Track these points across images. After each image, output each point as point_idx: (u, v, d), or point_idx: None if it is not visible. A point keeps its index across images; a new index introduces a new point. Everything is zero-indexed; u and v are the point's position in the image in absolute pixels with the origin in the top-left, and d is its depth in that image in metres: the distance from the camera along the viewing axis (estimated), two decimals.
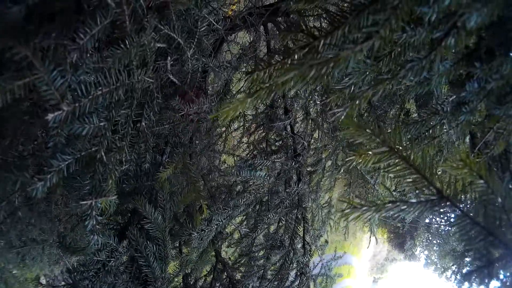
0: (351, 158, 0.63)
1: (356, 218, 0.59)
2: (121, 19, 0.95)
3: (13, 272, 3.10)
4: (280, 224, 1.79)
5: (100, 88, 0.90)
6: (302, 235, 1.75)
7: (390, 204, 0.58)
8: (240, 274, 1.97)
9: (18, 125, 1.90)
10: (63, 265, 3.18)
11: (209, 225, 1.24)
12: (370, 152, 0.60)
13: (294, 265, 1.72)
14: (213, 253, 1.93)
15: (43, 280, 3.42)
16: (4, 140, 1.94)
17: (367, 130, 0.58)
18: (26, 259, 3.06)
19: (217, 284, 1.97)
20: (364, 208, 0.58)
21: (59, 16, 1.42)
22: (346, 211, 0.59)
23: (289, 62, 0.59)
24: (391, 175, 0.60)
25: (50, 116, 0.80)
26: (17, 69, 0.86)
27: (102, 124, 0.91)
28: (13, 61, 0.95)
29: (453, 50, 0.80)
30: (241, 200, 1.30)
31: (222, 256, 1.99)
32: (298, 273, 1.73)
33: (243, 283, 1.85)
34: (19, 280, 3.24)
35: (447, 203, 0.56)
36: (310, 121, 1.98)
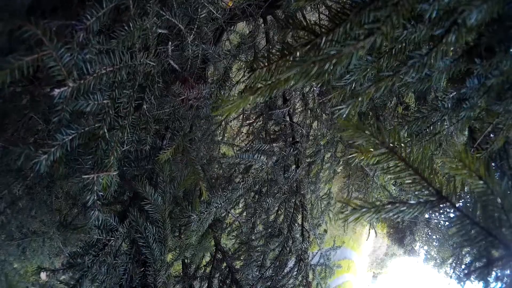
0: (353, 155, 0.63)
1: (356, 220, 0.58)
2: (126, 3, 0.98)
3: (14, 266, 3.11)
4: (279, 212, 1.81)
5: (104, 67, 0.93)
6: (300, 223, 1.77)
7: (389, 206, 0.58)
8: (240, 263, 1.99)
9: (19, 118, 1.93)
10: (64, 258, 3.20)
11: (208, 207, 1.26)
12: (371, 149, 0.59)
13: (293, 252, 1.73)
14: (213, 242, 1.95)
15: (43, 275, 3.43)
16: (6, 132, 1.96)
17: (366, 132, 0.58)
18: (26, 252, 3.07)
19: (217, 274, 1.98)
20: (363, 210, 0.57)
21: (61, 10, 1.46)
22: (346, 213, 0.58)
23: (291, 59, 0.59)
24: (391, 176, 0.60)
25: (56, 91, 0.83)
26: (26, 49, 0.88)
27: (105, 101, 0.94)
28: (22, 42, 0.97)
29: (453, 47, 0.81)
30: (240, 184, 1.32)
31: (222, 245, 2.01)
32: (297, 260, 1.75)
33: (242, 272, 1.86)
34: (19, 272, 3.25)
35: (447, 204, 0.56)
36: (308, 112, 2.01)
